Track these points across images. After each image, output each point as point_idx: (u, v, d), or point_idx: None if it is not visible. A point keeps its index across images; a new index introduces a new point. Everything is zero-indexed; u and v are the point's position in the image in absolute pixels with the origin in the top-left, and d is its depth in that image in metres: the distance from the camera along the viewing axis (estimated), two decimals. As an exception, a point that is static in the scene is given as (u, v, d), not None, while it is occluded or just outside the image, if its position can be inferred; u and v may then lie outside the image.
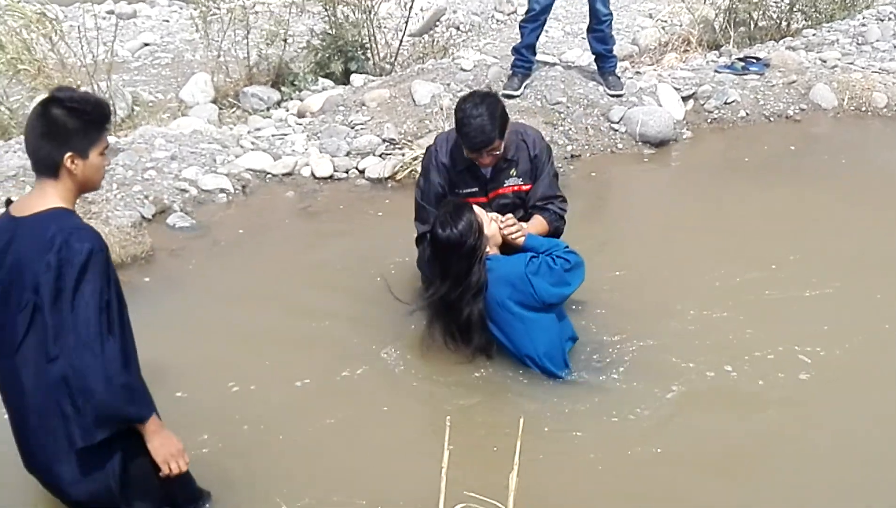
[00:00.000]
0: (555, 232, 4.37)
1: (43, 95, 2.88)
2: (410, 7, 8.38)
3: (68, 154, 2.77)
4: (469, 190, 4.32)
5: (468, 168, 4.27)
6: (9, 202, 2.94)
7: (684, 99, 7.34)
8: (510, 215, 4.19)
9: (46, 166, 2.79)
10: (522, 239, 4.14)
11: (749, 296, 4.72)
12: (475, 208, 4.02)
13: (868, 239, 5.27)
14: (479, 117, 3.99)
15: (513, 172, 4.33)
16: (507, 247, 4.17)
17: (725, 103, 7.30)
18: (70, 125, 2.77)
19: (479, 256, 3.94)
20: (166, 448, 2.89)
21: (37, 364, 2.76)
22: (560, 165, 6.39)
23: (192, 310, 4.72)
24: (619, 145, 6.81)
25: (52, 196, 2.79)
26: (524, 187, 4.36)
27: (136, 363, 2.90)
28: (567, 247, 4.11)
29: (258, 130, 6.92)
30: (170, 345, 4.38)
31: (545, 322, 4.01)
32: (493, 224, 4.09)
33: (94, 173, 2.87)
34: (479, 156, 4.12)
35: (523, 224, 4.25)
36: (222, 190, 5.92)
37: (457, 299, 3.99)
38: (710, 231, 5.48)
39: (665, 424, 3.83)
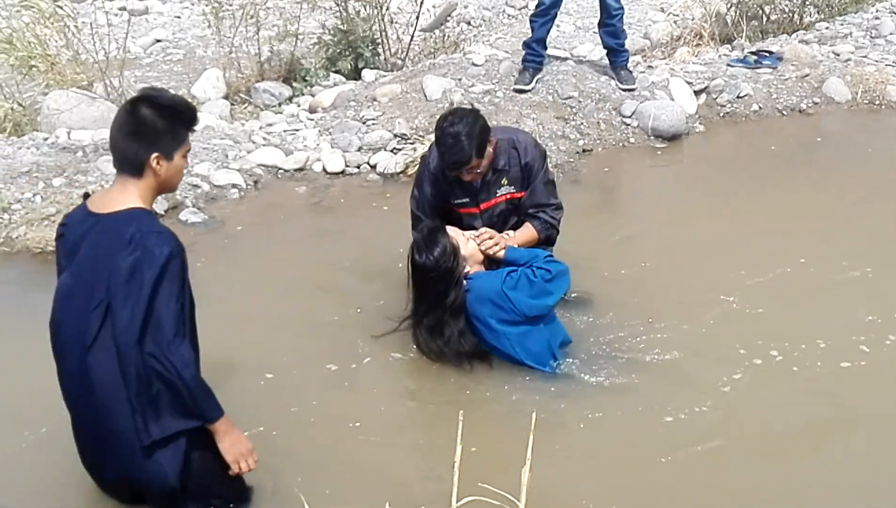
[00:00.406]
0: (546, 240, 4.32)
1: (133, 95, 2.93)
2: (421, 3, 8.37)
3: (155, 154, 2.81)
4: (460, 201, 4.30)
5: (458, 179, 4.21)
6: (86, 196, 2.97)
7: (696, 93, 7.32)
8: (485, 230, 4.15)
9: (131, 165, 2.81)
10: (502, 253, 4.10)
11: (773, 290, 4.71)
12: (450, 230, 4.01)
13: (889, 231, 5.25)
14: (456, 137, 3.93)
15: (504, 181, 4.26)
16: (493, 260, 4.15)
17: (738, 97, 7.27)
18: (159, 126, 2.81)
19: (457, 278, 3.95)
20: (237, 447, 2.95)
21: (108, 362, 2.77)
22: (571, 159, 6.41)
23: (203, 305, 4.71)
24: (631, 140, 6.79)
25: (132, 195, 2.82)
26: (517, 195, 4.31)
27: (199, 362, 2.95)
28: (549, 256, 4.10)
29: (270, 125, 6.92)
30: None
31: (533, 334, 4.02)
32: (471, 243, 4.07)
33: (175, 175, 2.91)
34: (460, 174, 4.09)
35: (507, 233, 4.22)
36: (234, 185, 5.93)
37: (436, 321, 4.02)
38: (724, 225, 5.46)
39: (681, 419, 3.82)
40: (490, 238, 4.10)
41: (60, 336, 2.92)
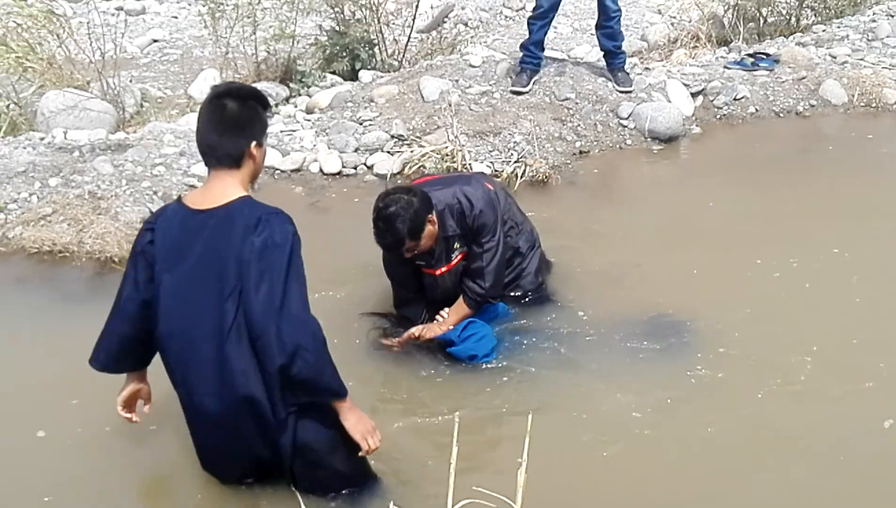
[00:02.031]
0: (478, 306, 4.27)
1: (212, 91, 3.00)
2: (418, 4, 8.37)
3: (253, 143, 2.90)
4: (421, 263, 4.28)
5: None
6: (179, 198, 3.01)
7: (693, 95, 7.32)
8: (412, 331, 4.23)
9: (230, 158, 2.89)
10: (442, 330, 4.23)
11: (770, 291, 4.74)
12: (385, 342, 4.28)
13: (887, 233, 5.26)
14: (387, 221, 3.88)
15: (456, 245, 4.22)
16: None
17: (735, 99, 7.28)
18: (248, 115, 2.92)
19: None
20: (362, 424, 3.00)
21: (246, 347, 2.82)
22: (568, 161, 6.42)
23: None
24: (629, 141, 6.79)
25: (233, 186, 2.90)
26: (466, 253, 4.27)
27: None
28: (469, 327, 4.21)
29: (266, 126, 6.91)
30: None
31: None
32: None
33: (264, 159, 3.02)
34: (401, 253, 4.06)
35: (441, 316, 4.26)
36: (231, 186, 5.92)
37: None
38: (721, 227, 5.47)
39: (680, 422, 3.83)
40: (420, 335, 4.23)
41: (183, 339, 2.94)
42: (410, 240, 3.94)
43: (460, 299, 4.26)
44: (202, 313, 2.87)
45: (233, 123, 2.89)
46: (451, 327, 4.21)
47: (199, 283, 2.86)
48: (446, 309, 4.28)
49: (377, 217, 3.95)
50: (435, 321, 4.27)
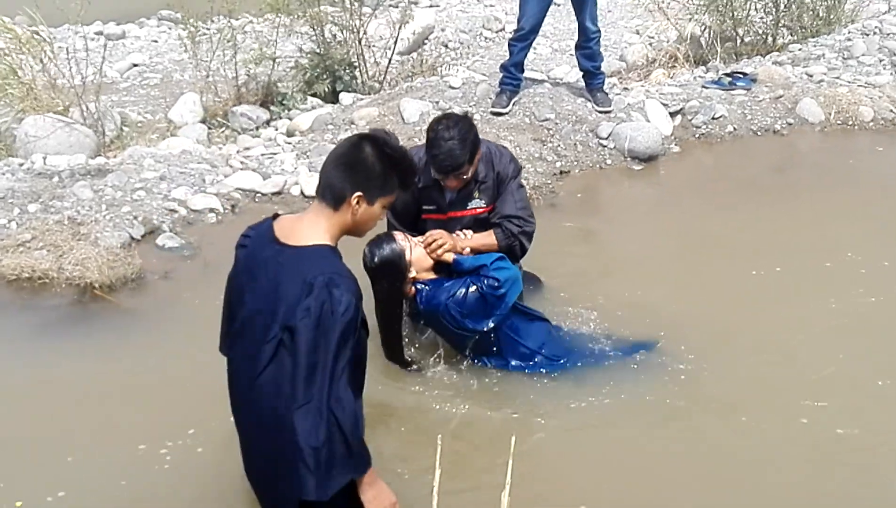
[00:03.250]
0: (506, 250, 4.21)
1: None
2: (399, 26, 8.41)
3: (358, 193, 2.76)
4: (429, 208, 4.28)
5: (433, 186, 4.21)
6: (275, 216, 2.92)
7: (672, 114, 7.37)
8: (430, 233, 4.08)
9: (333, 196, 2.77)
10: (449, 256, 4.04)
11: (751, 309, 4.77)
12: (398, 235, 4.01)
13: (863, 249, 5.30)
14: (451, 141, 3.94)
15: (476, 194, 4.24)
16: (443, 266, 4.12)
17: (713, 118, 7.34)
18: (375, 168, 2.78)
19: (400, 280, 3.99)
20: (380, 500, 2.85)
21: (273, 396, 2.71)
22: (549, 181, 6.44)
23: (183, 333, 4.70)
24: (608, 161, 6.83)
25: (321, 229, 2.77)
26: (486, 210, 4.29)
27: (361, 413, 2.87)
28: (499, 261, 3.98)
29: (247, 149, 6.91)
30: (163, 369, 4.38)
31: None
32: (418, 249, 4.03)
33: (368, 221, 2.87)
34: (445, 179, 4.09)
35: (464, 233, 4.14)
36: (212, 210, 5.91)
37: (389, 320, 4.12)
38: (701, 245, 5.50)
39: (666, 439, 3.84)
40: (435, 240, 4.02)
41: (237, 358, 2.90)
42: (468, 163, 3.99)
43: (489, 230, 4.19)
44: (250, 344, 2.80)
45: (355, 164, 2.78)
46: (467, 247, 4.11)
47: (258, 312, 2.78)
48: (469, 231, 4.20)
49: (438, 137, 3.95)
50: (457, 235, 4.13)
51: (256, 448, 2.89)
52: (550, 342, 4.23)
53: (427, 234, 4.07)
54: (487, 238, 4.19)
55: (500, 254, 4.02)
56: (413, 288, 4.04)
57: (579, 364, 4.23)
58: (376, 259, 3.93)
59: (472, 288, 3.90)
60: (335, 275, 2.67)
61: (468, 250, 4.10)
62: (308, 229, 2.78)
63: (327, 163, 2.83)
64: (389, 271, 3.95)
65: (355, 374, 2.77)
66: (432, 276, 4.08)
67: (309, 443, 2.63)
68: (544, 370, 4.17)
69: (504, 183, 4.24)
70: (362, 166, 2.78)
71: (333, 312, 2.62)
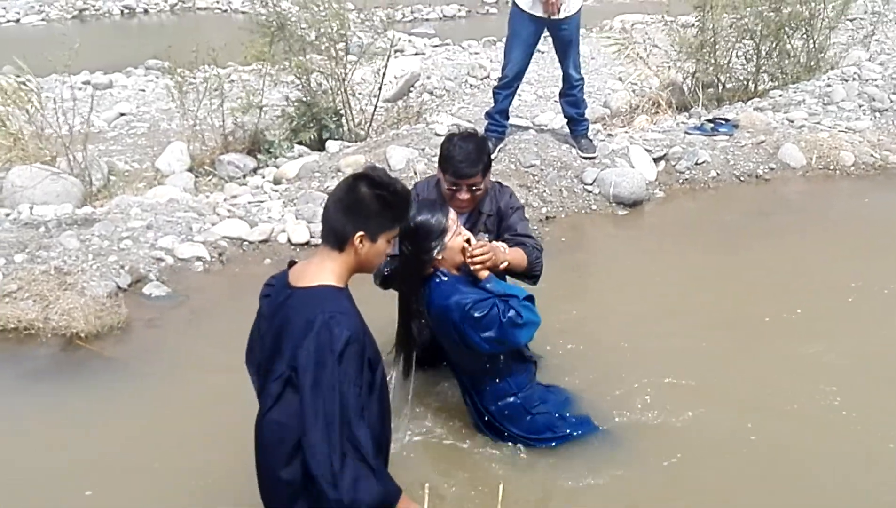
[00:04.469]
0: (534, 264, 4.14)
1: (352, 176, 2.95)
2: (384, 74, 8.50)
3: (360, 233, 2.83)
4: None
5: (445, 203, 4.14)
6: (292, 264, 3.00)
7: (656, 160, 7.45)
8: (484, 239, 3.93)
9: (336, 238, 2.85)
10: (485, 274, 3.80)
11: (736, 355, 4.78)
12: (451, 215, 3.81)
13: (847, 294, 5.35)
14: (468, 148, 4.01)
15: (482, 228, 4.20)
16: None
17: (696, 164, 7.41)
18: (371, 206, 2.85)
19: (426, 256, 3.73)
20: None
21: (276, 432, 2.75)
22: (535, 227, 6.46)
23: (169, 382, 4.68)
24: (594, 206, 6.88)
25: (328, 271, 2.84)
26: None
27: (387, 445, 2.93)
28: (528, 298, 3.79)
29: (234, 197, 6.93)
30: (147, 419, 4.36)
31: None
32: (458, 239, 3.78)
33: (375, 258, 2.93)
34: (459, 190, 4.05)
35: (501, 245, 4.01)
36: (199, 258, 5.91)
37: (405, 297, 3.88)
38: (687, 292, 5.52)
39: (646, 485, 3.83)
40: (482, 246, 3.80)
41: (259, 397, 2.93)
42: (481, 175, 4.01)
43: (518, 248, 4.09)
44: (262, 383, 2.87)
45: (352, 205, 2.85)
46: (506, 261, 3.93)
47: (271, 352, 2.84)
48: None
49: (454, 145, 4.01)
50: (497, 246, 3.97)
51: (270, 481, 2.88)
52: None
53: (478, 242, 3.84)
54: (519, 254, 4.08)
55: (531, 295, 3.85)
56: (432, 271, 3.81)
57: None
58: (417, 219, 3.69)
59: (494, 310, 3.68)
60: (336, 313, 2.72)
61: (505, 264, 3.97)
62: (315, 271, 2.86)
63: (328, 207, 2.91)
64: (420, 239, 3.72)
65: (373, 407, 2.79)
66: (454, 272, 3.86)
67: (324, 472, 2.64)
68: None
69: (507, 217, 4.24)
70: (360, 206, 2.85)
71: (332, 350, 2.67)
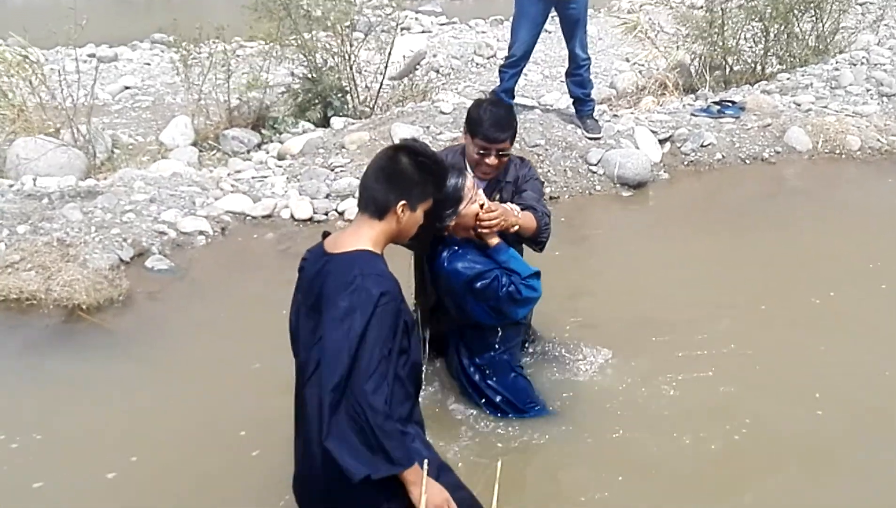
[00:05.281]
0: (545, 228, 4.11)
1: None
2: (390, 52, 8.46)
3: (402, 202, 2.88)
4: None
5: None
6: (325, 235, 3.03)
7: (661, 142, 7.42)
8: (497, 204, 3.90)
9: (376, 207, 2.89)
10: (495, 241, 3.81)
11: (737, 337, 4.77)
12: (469, 180, 3.78)
13: (848, 277, 5.34)
14: (499, 113, 4.01)
15: (498, 196, 4.16)
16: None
17: (702, 146, 7.38)
18: (414, 176, 2.91)
19: (441, 220, 3.65)
20: (430, 499, 2.83)
21: (320, 400, 2.74)
22: (539, 207, 6.44)
23: (170, 355, 4.69)
24: (598, 187, 6.86)
25: (365, 237, 2.88)
26: None
27: (415, 411, 2.91)
28: (534, 275, 3.81)
29: (238, 172, 6.93)
30: (148, 390, 4.37)
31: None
32: (474, 206, 3.75)
33: (412, 227, 2.98)
34: (487, 154, 4.01)
35: (514, 207, 3.99)
36: (201, 232, 5.91)
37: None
38: (689, 273, 5.51)
39: (648, 466, 3.84)
40: (494, 211, 3.79)
41: (297, 368, 2.96)
42: (510, 141, 4.01)
43: (529, 213, 4.06)
44: (302, 352, 2.91)
45: (393, 174, 2.90)
46: (517, 225, 3.88)
47: (308, 321, 2.88)
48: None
49: (485, 108, 3.99)
50: (510, 207, 3.96)
51: (303, 453, 2.90)
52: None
53: (490, 203, 3.84)
54: (529, 218, 4.04)
55: (537, 271, 3.88)
56: (445, 236, 3.79)
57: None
58: None
59: (495, 282, 3.73)
60: (372, 274, 2.77)
61: (516, 228, 3.94)
62: (352, 237, 2.90)
63: (367, 176, 2.95)
64: (435, 204, 3.50)
65: (405, 371, 2.82)
66: (469, 233, 3.82)
67: (340, 427, 2.67)
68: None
69: (522, 186, 4.19)
70: (402, 176, 2.90)
71: (365, 306, 2.69)
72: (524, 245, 4.15)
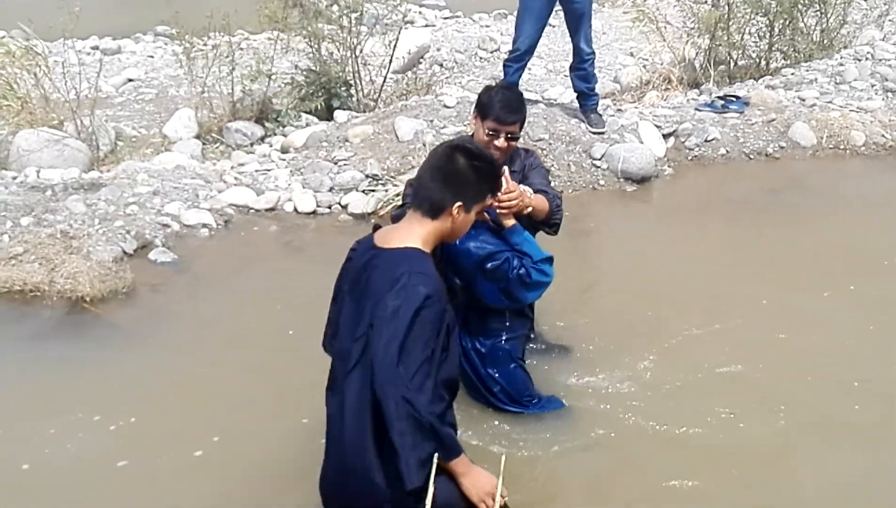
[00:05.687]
0: (557, 210, 4.12)
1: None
2: (395, 45, 8.44)
3: (459, 203, 2.90)
4: None
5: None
6: (376, 227, 3.06)
7: (665, 136, 7.41)
8: (516, 185, 3.82)
9: (432, 207, 2.91)
10: (510, 222, 3.75)
11: (740, 334, 4.77)
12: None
13: (852, 273, 5.33)
14: (510, 96, 4.03)
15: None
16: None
17: (706, 141, 7.37)
18: (470, 177, 2.93)
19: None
20: (478, 487, 2.87)
21: (358, 392, 2.78)
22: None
23: (172, 347, 4.69)
24: (601, 182, 6.85)
25: (416, 235, 2.89)
26: None
27: (448, 414, 2.89)
28: (547, 259, 3.76)
29: (241, 165, 6.92)
30: (150, 382, 4.37)
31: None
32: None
33: (464, 227, 3.01)
34: (497, 136, 3.98)
35: (527, 189, 3.95)
36: (205, 225, 5.91)
37: None
38: (693, 268, 5.51)
39: (646, 461, 3.84)
40: (513, 190, 3.72)
41: (336, 358, 2.98)
42: (520, 124, 4.03)
43: (541, 196, 4.05)
44: (342, 344, 2.91)
45: (450, 175, 2.92)
46: (531, 206, 3.84)
47: (352, 313, 2.90)
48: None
49: (497, 91, 4.02)
50: (524, 188, 3.91)
51: (341, 447, 2.88)
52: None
53: (509, 183, 3.74)
54: (542, 200, 4.03)
55: (550, 256, 3.82)
56: None
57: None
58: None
59: (505, 265, 3.69)
60: (420, 273, 2.78)
61: (529, 209, 3.91)
62: (402, 234, 2.92)
63: (423, 175, 2.98)
64: None
65: (446, 369, 2.82)
66: (479, 217, 3.76)
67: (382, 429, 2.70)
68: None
69: (530, 173, 4.18)
70: (459, 177, 2.93)
71: (411, 305, 2.71)
72: (538, 231, 4.12)
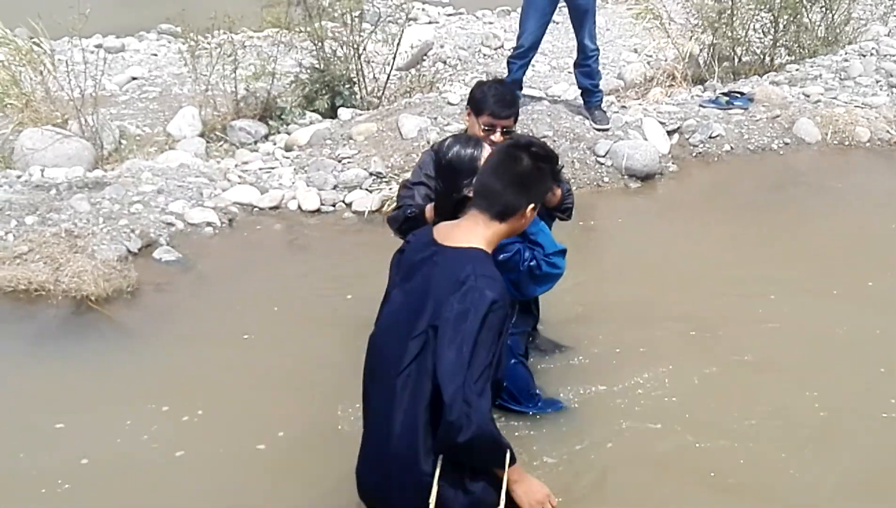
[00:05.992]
0: (567, 194, 4.13)
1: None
2: (398, 43, 8.43)
3: (532, 205, 2.86)
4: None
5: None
6: (434, 223, 3.01)
7: (669, 133, 7.39)
8: None
9: (501, 210, 2.84)
10: None
11: (745, 330, 4.77)
12: (486, 150, 3.63)
13: (858, 267, 5.33)
14: (503, 91, 4.07)
15: None
16: None
17: (710, 137, 7.35)
18: (539, 178, 2.90)
19: (459, 191, 3.55)
20: (530, 495, 2.86)
21: (412, 392, 2.74)
22: (546, 198, 6.43)
23: (177, 347, 4.69)
24: (606, 179, 6.84)
25: (479, 236, 2.83)
26: None
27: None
28: (559, 252, 3.72)
29: (245, 163, 6.93)
30: (155, 381, 4.38)
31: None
32: None
33: (522, 227, 2.95)
34: (492, 131, 4.01)
35: None
36: (209, 224, 5.92)
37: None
38: (698, 265, 5.50)
39: (649, 458, 3.83)
40: None
41: (379, 352, 2.92)
42: (514, 119, 4.10)
43: None
44: (395, 339, 2.83)
45: (521, 179, 2.86)
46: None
47: (406, 309, 2.84)
48: None
49: (491, 86, 4.10)
50: None
51: (385, 445, 2.84)
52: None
53: None
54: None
55: (563, 249, 3.79)
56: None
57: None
58: (450, 155, 3.62)
59: (517, 256, 3.66)
60: (486, 276, 2.73)
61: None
62: (466, 232, 2.85)
63: (488, 178, 2.89)
64: (451, 174, 3.61)
65: (492, 371, 2.77)
66: None
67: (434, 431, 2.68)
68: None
69: None
70: (527, 179, 2.87)
71: (477, 311, 2.66)
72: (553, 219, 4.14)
